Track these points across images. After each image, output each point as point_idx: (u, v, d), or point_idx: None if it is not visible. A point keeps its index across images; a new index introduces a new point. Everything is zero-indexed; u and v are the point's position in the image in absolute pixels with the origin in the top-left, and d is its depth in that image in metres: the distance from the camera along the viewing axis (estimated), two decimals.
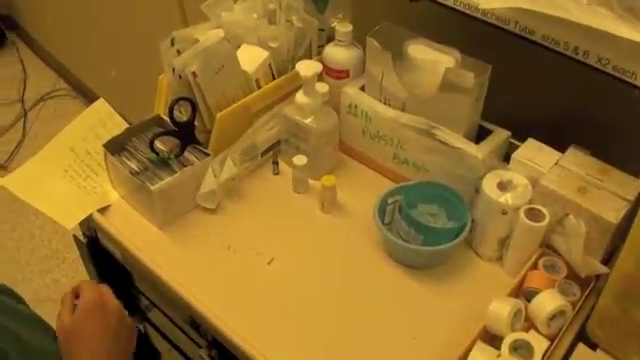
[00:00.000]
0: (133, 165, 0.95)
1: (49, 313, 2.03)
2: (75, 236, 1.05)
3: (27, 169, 0.98)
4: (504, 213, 0.86)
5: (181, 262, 0.90)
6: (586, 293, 0.83)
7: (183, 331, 1.04)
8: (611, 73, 0.77)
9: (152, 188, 0.89)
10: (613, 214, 0.80)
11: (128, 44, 2.06)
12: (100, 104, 1.05)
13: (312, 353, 0.81)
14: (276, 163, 1.04)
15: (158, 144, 0.96)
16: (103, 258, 1.06)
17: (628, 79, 0.77)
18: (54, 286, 1.97)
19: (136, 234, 0.93)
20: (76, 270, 2.00)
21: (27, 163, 0.98)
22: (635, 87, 0.76)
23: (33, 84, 2.59)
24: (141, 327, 1.16)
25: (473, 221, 0.90)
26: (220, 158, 0.97)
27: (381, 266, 0.91)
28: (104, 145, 0.95)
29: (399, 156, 0.98)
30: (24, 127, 2.42)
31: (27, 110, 2.45)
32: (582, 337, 0.82)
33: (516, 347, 0.76)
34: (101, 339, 0.77)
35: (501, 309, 0.77)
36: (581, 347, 0.80)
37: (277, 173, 1.04)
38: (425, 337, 0.82)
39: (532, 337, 0.77)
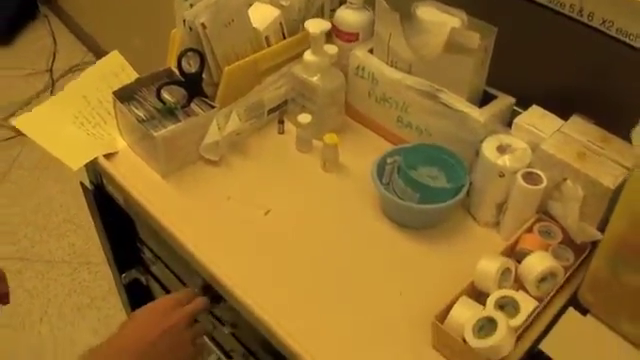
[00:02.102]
0: (140, 113, 0.97)
1: (62, 273, 2.08)
2: (82, 183, 1.08)
3: (39, 112, 1.00)
4: (501, 176, 0.85)
5: (181, 208, 0.92)
6: (580, 259, 0.82)
7: (184, 284, 1.06)
8: (614, 36, 0.77)
9: (155, 135, 0.91)
10: (611, 179, 0.79)
11: (158, 18, 2.09)
12: (114, 56, 1.07)
13: (299, 301, 0.81)
14: (282, 122, 1.05)
15: (166, 95, 0.98)
16: (108, 208, 1.09)
17: (631, 42, 0.76)
18: (69, 249, 2.01)
19: (139, 181, 0.95)
20: (91, 236, 2.04)
21: (39, 106, 1.01)
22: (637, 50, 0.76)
23: (63, 56, 2.66)
24: (143, 280, 1.19)
25: (471, 184, 0.90)
26: (225, 111, 0.98)
27: (376, 225, 0.91)
28: (114, 92, 0.97)
29: (403, 119, 0.98)
30: (51, 95, 2.48)
31: (55, 80, 2.51)
32: (574, 304, 0.81)
33: (502, 305, 0.76)
34: (136, 337, 0.78)
35: (489, 266, 0.77)
36: (571, 311, 0.80)
37: (282, 132, 1.05)
38: (412, 294, 0.82)
39: (520, 296, 0.76)
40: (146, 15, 2.18)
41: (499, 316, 0.71)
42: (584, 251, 0.83)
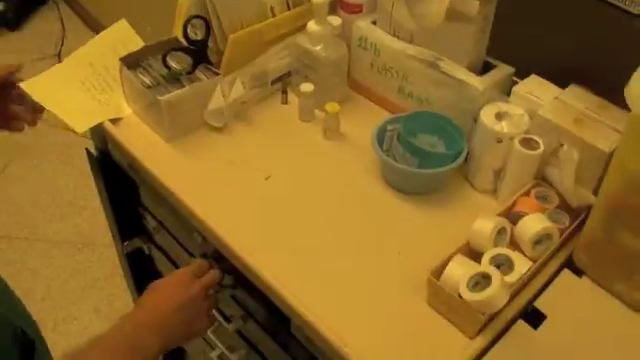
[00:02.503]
0: (146, 80, 0.99)
1: (65, 254, 2.09)
2: (87, 150, 1.09)
3: (46, 77, 1.02)
4: (499, 141, 0.87)
5: (183, 170, 0.94)
6: (576, 223, 0.83)
7: (186, 250, 1.07)
8: (611, 2, 0.78)
9: (160, 98, 0.93)
10: (607, 144, 0.80)
11: (166, 4, 2.11)
12: (122, 24, 1.09)
13: (300, 261, 0.83)
14: (285, 92, 1.06)
15: (171, 62, 0.99)
16: (112, 176, 1.11)
17: (627, 7, 0.77)
18: (73, 230, 2.04)
19: (144, 145, 0.97)
20: (96, 218, 2.06)
21: (47, 72, 1.03)
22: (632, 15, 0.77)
23: (71, 41, 2.68)
24: (146, 248, 1.20)
25: (470, 152, 0.91)
26: (230, 79, 1.00)
27: (376, 190, 0.93)
28: (121, 59, 0.99)
29: (404, 89, 1.00)
30: None
31: None
32: (570, 267, 0.82)
33: (498, 264, 0.77)
34: (155, 310, 0.79)
35: (485, 225, 0.79)
36: (566, 272, 0.81)
37: (285, 102, 1.07)
38: (409, 255, 0.84)
39: (515, 255, 0.77)
40: (154, 1, 2.20)
41: (493, 271, 0.72)
42: (580, 216, 0.84)
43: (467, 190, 0.94)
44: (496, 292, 0.70)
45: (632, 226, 0.72)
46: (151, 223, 1.14)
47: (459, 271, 0.75)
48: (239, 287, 0.93)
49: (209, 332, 1.04)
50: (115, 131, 0.99)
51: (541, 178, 0.88)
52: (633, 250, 0.72)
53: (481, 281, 0.73)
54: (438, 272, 0.76)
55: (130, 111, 1.03)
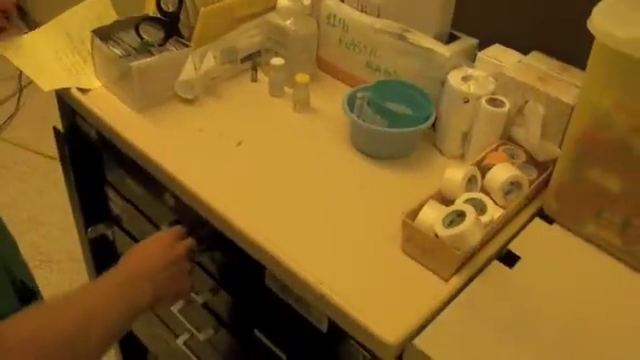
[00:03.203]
0: (117, 51, 0.99)
1: None
2: (55, 128, 1.08)
3: (21, 41, 1.01)
4: (466, 101, 0.89)
5: (154, 135, 0.93)
6: (544, 174, 0.85)
7: (155, 225, 1.05)
8: None
9: (132, 64, 0.93)
10: (570, 98, 0.83)
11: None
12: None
13: (275, 215, 0.82)
14: (255, 70, 1.07)
15: (143, 34, 1.00)
16: (78, 156, 1.09)
17: None
18: (29, 248, 1.97)
19: (114, 113, 0.96)
20: (54, 234, 2.01)
21: (23, 36, 1.02)
22: None
23: None
24: (110, 234, 1.17)
25: (438, 116, 0.93)
26: (201, 51, 1.00)
27: (346, 155, 0.93)
28: (93, 31, 0.99)
29: (372, 64, 1.02)
30: (18, 101, 2.47)
31: (23, 87, 2.51)
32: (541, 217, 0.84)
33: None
34: (144, 265, 0.79)
35: (456, 173, 0.80)
36: (537, 221, 0.83)
37: (255, 80, 1.08)
38: (378, 210, 0.84)
39: (487, 199, 0.79)
40: None
41: (468, 208, 0.73)
42: (547, 170, 0.86)
43: (435, 156, 0.95)
44: (471, 226, 0.70)
45: (601, 161, 0.74)
46: (116, 202, 1.11)
47: (433, 214, 0.76)
48: (208, 251, 0.92)
49: (176, 311, 1.01)
50: (84, 99, 0.98)
51: (507, 139, 0.91)
52: (602, 187, 0.74)
53: (456, 219, 0.73)
54: (412, 216, 0.76)
55: (99, 85, 1.02)
